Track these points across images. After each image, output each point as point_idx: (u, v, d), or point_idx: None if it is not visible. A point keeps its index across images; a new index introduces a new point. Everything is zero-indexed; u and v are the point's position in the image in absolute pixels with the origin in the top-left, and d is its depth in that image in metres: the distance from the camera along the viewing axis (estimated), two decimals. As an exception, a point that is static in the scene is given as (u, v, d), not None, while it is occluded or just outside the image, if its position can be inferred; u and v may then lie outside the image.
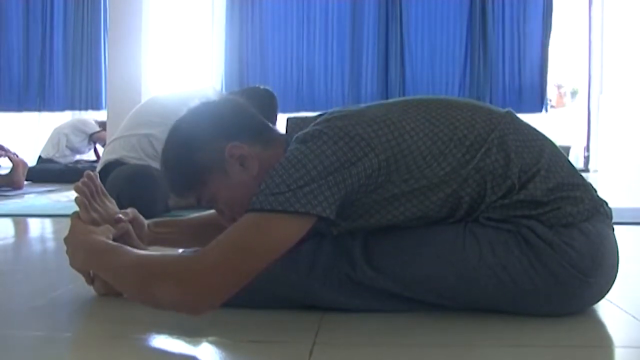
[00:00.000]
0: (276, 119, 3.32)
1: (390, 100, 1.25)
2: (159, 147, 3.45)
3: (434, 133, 1.14)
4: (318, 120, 1.18)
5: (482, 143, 1.13)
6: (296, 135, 1.16)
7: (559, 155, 1.18)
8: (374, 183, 1.11)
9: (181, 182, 1.26)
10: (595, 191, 1.18)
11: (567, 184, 1.13)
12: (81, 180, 1.30)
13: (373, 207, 1.14)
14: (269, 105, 3.15)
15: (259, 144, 1.22)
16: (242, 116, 1.28)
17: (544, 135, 1.21)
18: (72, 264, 1.24)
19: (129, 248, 1.17)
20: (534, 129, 1.21)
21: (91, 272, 1.27)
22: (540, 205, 1.10)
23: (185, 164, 1.23)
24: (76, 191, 1.29)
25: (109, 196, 1.36)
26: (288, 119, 1.27)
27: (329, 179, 1.07)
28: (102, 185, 1.34)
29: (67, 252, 1.24)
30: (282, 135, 1.27)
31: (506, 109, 1.22)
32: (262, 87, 3.31)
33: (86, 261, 1.21)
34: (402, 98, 1.28)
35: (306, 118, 1.25)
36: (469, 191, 1.13)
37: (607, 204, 1.20)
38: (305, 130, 1.16)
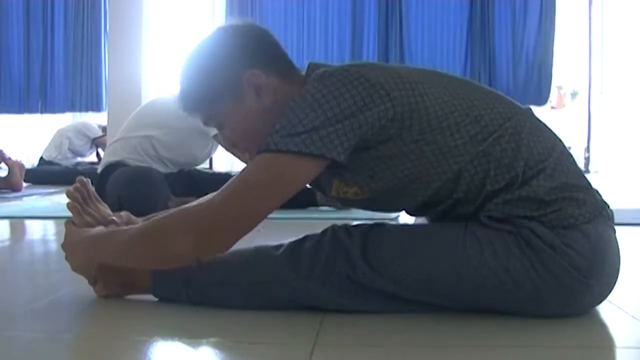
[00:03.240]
0: None
1: (414, 66, 1.24)
2: (160, 148, 3.47)
3: (452, 104, 1.13)
4: (339, 65, 1.18)
5: (496, 128, 1.13)
6: (315, 73, 1.15)
7: (568, 157, 1.18)
8: (385, 134, 1.11)
9: (195, 100, 1.25)
10: (600, 194, 1.18)
11: (570, 185, 1.12)
12: (73, 185, 1.29)
13: (377, 163, 1.13)
14: None
15: (278, 76, 1.22)
16: (265, 45, 1.26)
17: (557, 136, 1.21)
18: (74, 268, 1.24)
19: (125, 227, 1.19)
20: (549, 129, 1.21)
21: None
22: (542, 206, 1.10)
23: (202, 82, 1.23)
24: (68, 197, 1.28)
25: (101, 200, 1.35)
26: (309, 63, 1.25)
27: (345, 123, 1.07)
28: (94, 190, 1.33)
29: (66, 258, 1.24)
30: (301, 73, 1.26)
31: (526, 106, 1.22)
32: None
33: (88, 255, 1.21)
34: (426, 67, 1.27)
35: (328, 64, 1.23)
36: (472, 172, 1.12)
37: (608, 206, 1.19)
38: (324, 69, 1.15)
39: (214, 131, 3.32)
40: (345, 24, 7.76)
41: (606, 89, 7.49)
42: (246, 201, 1.09)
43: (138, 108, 3.39)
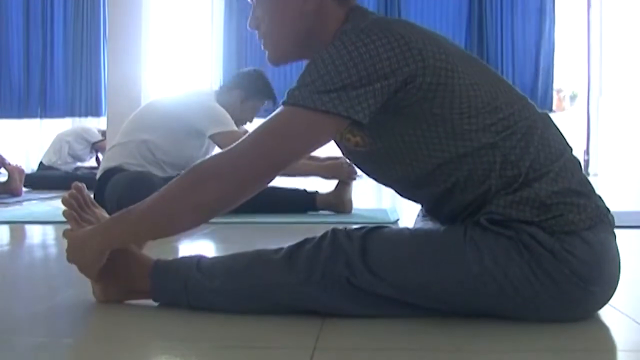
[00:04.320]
0: (271, 93, 3.37)
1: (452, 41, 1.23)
2: (157, 152, 3.46)
3: (477, 88, 1.13)
4: (382, 17, 1.17)
5: (511, 124, 1.13)
6: (356, 23, 1.14)
7: (575, 163, 1.17)
8: (408, 99, 1.11)
9: None
10: (602, 201, 1.17)
11: (573, 191, 1.12)
12: (68, 192, 1.27)
13: (388, 121, 1.13)
14: (257, 78, 3.28)
15: None
16: None
17: (567, 143, 1.20)
18: (81, 268, 1.21)
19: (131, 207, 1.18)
20: (562, 135, 1.20)
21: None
22: (543, 210, 1.09)
23: None
24: (64, 204, 1.26)
25: (98, 205, 1.33)
26: (354, 6, 1.24)
27: (376, 86, 1.07)
28: (90, 196, 1.31)
29: (69, 259, 1.21)
30: (350, 6, 1.24)
31: (544, 111, 1.21)
32: (253, 69, 3.40)
33: (98, 245, 1.18)
34: (461, 47, 1.25)
35: (368, 11, 1.22)
36: (477, 161, 1.12)
37: (610, 212, 1.18)
38: (366, 21, 1.14)
39: (209, 131, 3.29)
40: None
41: (605, 91, 7.50)
42: (269, 151, 1.11)
43: (136, 111, 3.38)
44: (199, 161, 1.15)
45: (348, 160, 3.31)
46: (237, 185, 1.12)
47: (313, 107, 1.07)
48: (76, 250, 1.21)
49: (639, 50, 6.70)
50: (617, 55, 7.18)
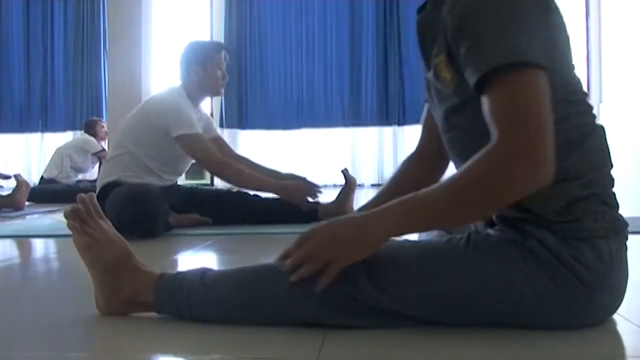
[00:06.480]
0: (213, 45, 3.46)
1: None
2: (152, 163, 3.43)
3: (569, 74, 1.12)
4: None
5: (573, 124, 1.10)
6: None
7: (610, 179, 1.15)
8: None
9: None
10: (622, 217, 1.15)
11: (599, 200, 1.10)
12: (72, 205, 1.25)
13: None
14: (191, 48, 3.34)
15: None
16: None
17: (610, 160, 1.16)
18: (349, 259, 1.11)
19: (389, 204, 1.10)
20: (609, 151, 1.16)
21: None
22: (563, 211, 1.07)
23: None
24: (65, 217, 1.25)
25: (105, 218, 1.31)
26: None
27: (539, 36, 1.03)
28: (98, 207, 1.29)
29: (338, 252, 1.11)
30: None
31: (600, 124, 1.17)
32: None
33: (390, 231, 1.09)
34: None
35: None
36: None
37: (627, 225, 1.16)
38: None
39: (173, 133, 3.26)
40: (343, 41, 7.82)
41: (606, 97, 7.51)
42: (529, 126, 0.99)
43: (127, 117, 3.35)
44: (475, 160, 1.03)
45: (308, 180, 3.23)
46: (536, 164, 0.99)
47: (534, 63, 1.00)
48: (352, 238, 1.11)
49: (638, 57, 6.71)
50: (617, 62, 7.19)
